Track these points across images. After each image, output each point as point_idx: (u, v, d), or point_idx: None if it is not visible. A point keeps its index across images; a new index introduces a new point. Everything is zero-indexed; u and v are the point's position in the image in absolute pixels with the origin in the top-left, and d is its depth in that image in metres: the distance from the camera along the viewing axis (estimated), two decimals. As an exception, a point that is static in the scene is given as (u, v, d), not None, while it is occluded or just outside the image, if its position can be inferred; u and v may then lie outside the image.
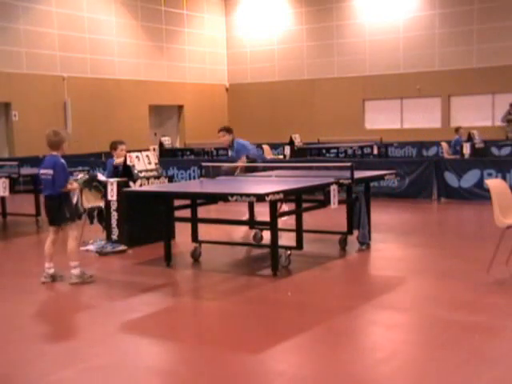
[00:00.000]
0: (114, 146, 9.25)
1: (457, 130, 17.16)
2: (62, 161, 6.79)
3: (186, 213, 8.00)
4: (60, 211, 6.79)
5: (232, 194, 6.72)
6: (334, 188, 7.49)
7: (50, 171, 6.76)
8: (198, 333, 5.35)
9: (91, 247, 8.66)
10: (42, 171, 6.87)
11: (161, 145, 20.54)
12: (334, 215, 8.94)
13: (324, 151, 19.68)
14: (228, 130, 10.11)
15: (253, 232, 8.83)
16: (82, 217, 9.25)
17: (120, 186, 8.54)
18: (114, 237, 8.57)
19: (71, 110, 21.83)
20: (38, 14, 21.23)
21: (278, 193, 6.68)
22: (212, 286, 6.83)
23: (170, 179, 9.87)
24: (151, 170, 8.97)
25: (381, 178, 8.87)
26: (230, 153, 10.43)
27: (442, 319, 5.47)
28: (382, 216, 9.72)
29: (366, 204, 8.30)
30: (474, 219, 11.40)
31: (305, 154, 18.83)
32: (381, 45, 25.25)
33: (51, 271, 6.86)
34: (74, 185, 7.06)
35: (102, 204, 8.92)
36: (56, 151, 6.85)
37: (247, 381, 4.35)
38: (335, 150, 19.56)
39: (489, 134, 18.63)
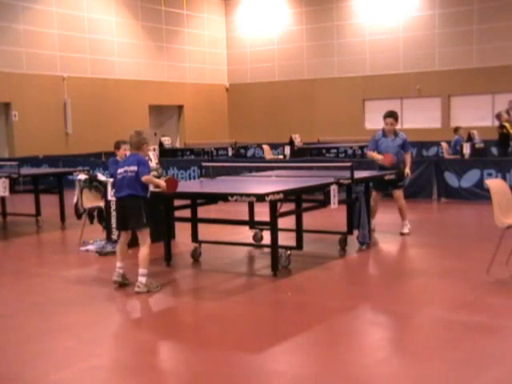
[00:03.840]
0: (117, 145, 9.18)
1: (456, 129, 17.13)
2: (146, 159, 6.71)
3: (186, 213, 8.00)
4: (140, 215, 6.52)
5: (232, 194, 6.72)
6: (334, 188, 7.49)
7: (134, 167, 6.49)
8: (198, 333, 5.35)
9: (91, 247, 8.67)
10: (122, 169, 6.59)
11: (161, 145, 20.52)
12: (334, 215, 8.94)
13: (324, 151, 19.68)
14: (397, 119, 9.33)
15: (253, 232, 8.83)
16: (82, 217, 9.28)
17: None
18: (114, 237, 8.56)
19: (71, 110, 21.83)
20: (37, 14, 21.23)
21: (277, 193, 6.68)
22: (212, 286, 6.83)
23: (170, 179, 9.85)
24: (151, 170, 8.95)
25: (381, 177, 8.86)
26: (382, 140, 9.24)
27: (442, 319, 5.47)
28: (382, 216, 9.72)
29: (365, 204, 8.31)
30: (474, 219, 11.40)
31: (305, 154, 18.82)
32: (381, 45, 25.24)
33: (121, 271, 6.68)
34: (160, 181, 6.72)
35: (101, 204, 8.92)
36: (137, 151, 6.65)
37: (247, 381, 4.35)
38: (335, 150, 19.56)
39: (489, 134, 18.61)
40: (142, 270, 6.51)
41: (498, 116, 17.15)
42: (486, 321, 5.37)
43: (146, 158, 7.07)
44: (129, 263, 7.44)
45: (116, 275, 6.69)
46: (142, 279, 6.49)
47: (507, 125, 16.36)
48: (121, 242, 6.83)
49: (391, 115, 9.31)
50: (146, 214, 6.56)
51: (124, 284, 6.71)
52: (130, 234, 6.83)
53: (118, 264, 6.73)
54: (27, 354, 4.85)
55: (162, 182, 6.66)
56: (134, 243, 8.59)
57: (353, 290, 6.60)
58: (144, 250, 6.57)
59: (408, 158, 9.33)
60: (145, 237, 6.61)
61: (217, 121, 28.00)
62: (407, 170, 9.24)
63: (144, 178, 6.46)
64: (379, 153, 9.18)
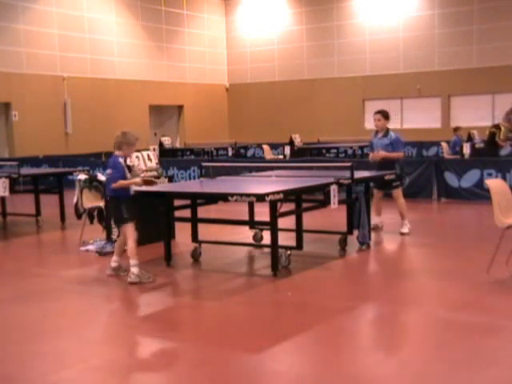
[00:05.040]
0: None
1: (455, 130, 17.05)
2: (120, 160, 6.90)
3: (186, 213, 8.00)
4: (119, 211, 6.85)
5: (232, 194, 6.72)
6: (334, 188, 7.49)
7: (110, 170, 6.92)
8: (198, 333, 5.35)
9: (91, 247, 8.66)
10: (107, 171, 7.08)
11: (161, 145, 20.53)
12: (334, 215, 8.94)
13: (324, 151, 19.67)
14: (385, 115, 9.33)
15: (253, 232, 8.83)
16: (82, 217, 9.27)
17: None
18: (114, 237, 8.55)
19: (71, 110, 21.82)
20: (37, 14, 21.23)
21: (277, 193, 6.68)
22: (212, 286, 6.83)
23: (170, 179, 9.86)
24: (151, 170, 8.96)
25: (381, 178, 8.87)
26: (374, 139, 9.46)
27: (442, 319, 5.47)
28: (382, 216, 9.72)
29: (365, 204, 8.31)
30: (474, 219, 11.40)
31: (305, 154, 18.82)
32: (381, 45, 25.24)
33: (114, 265, 7.04)
34: (134, 180, 6.93)
35: (101, 204, 8.92)
36: (118, 151, 6.92)
37: (247, 381, 4.35)
38: (335, 150, 19.55)
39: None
40: (132, 261, 6.78)
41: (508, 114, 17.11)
42: (485, 321, 5.37)
43: (128, 158, 7.38)
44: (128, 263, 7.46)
45: (108, 269, 7.08)
46: (134, 269, 6.75)
47: (503, 129, 16.34)
48: (119, 238, 7.19)
49: (378, 112, 9.43)
50: (127, 210, 6.83)
51: (120, 273, 7.04)
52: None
53: (114, 257, 7.09)
54: (27, 354, 4.85)
55: (136, 181, 6.91)
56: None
57: (353, 290, 6.60)
58: (130, 244, 6.84)
59: (395, 154, 9.23)
60: (128, 231, 6.87)
61: (217, 121, 28.00)
62: (382, 153, 9.16)
63: (113, 187, 6.81)
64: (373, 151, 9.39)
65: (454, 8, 23.91)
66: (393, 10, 25.06)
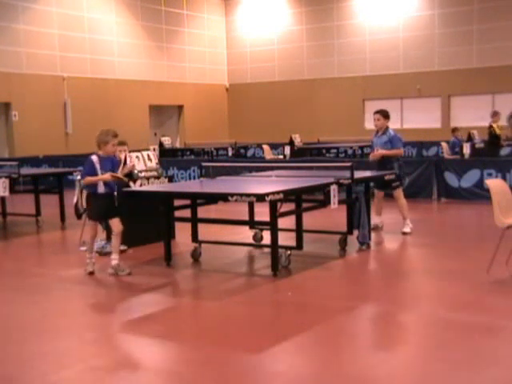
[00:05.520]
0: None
1: (453, 130, 16.92)
2: (91, 157, 7.00)
3: (186, 213, 8.00)
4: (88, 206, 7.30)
5: (232, 194, 6.72)
6: (334, 188, 7.49)
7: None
8: (198, 333, 5.35)
9: (91, 247, 8.65)
10: None
11: (161, 145, 20.52)
12: (334, 215, 8.94)
13: (324, 151, 19.67)
14: (385, 115, 9.37)
15: (253, 232, 8.83)
16: (82, 217, 9.26)
17: (120, 186, 8.50)
18: (114, 237, 8.55)
19: (71, 110, 21.83)
20: (37, 14, 21.23)
21: (277, 193, 6.68)
22: (212, 286, 6.83)
23: (170, 179, 9.85)
24: (151, 170, 8.95)
25: (381, 178, 8.87)
26: (374, 138, 9.58)
27: (442, 319, 5.47)
28: (382, 216, 9.72)
29: (365, 204, 8.31)
30: (474, 219, 11.40)
31: (305, 154, 18.82)
32: (381, 45, 25.25)
33: (114, 263, 7.12)
34: (101, 176, 6.99)
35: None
36: (98, 149, 7.06)
37: (247, 381, 4.35)
38: (335, 150, 19.55)
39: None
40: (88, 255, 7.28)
41: None
42: (486, 321, 5.37)
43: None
44: (129, 263, 7.46)
45: (110, 268, 7.17)
46: (87, 265, 7.20)
47: (494, 125, 16.36)
48: (113, 236, 7.33)
49: (378, 111, 9.48)
50: (91, 208, 7.21)
51: (120, 272, 7.13)
52: (117, 227, 7.15)
53: (113, 256, 7.19)
54: (27, 354, 4.85)
55: (103, 176, 6.96)
56: (134, 243, 8.62)
57: (353, 290, 6.60)
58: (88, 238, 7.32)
59: (394, 150, 9.28)
60: (89, 227, 7.30)
61: (217, 121, 28.00)
62: (381, 151, 9.21)
63: (83, 183, 7.21)
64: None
65: (453, 8, 23.92)
66: (393, 10, 25.06)
